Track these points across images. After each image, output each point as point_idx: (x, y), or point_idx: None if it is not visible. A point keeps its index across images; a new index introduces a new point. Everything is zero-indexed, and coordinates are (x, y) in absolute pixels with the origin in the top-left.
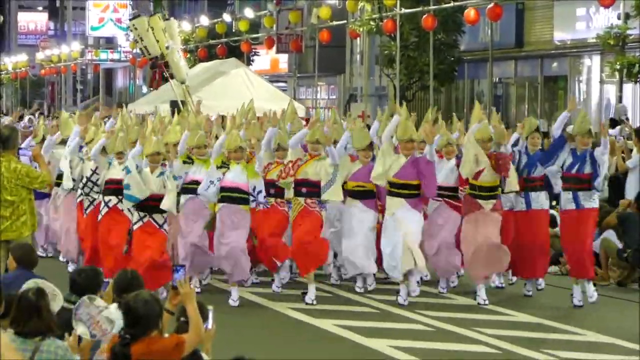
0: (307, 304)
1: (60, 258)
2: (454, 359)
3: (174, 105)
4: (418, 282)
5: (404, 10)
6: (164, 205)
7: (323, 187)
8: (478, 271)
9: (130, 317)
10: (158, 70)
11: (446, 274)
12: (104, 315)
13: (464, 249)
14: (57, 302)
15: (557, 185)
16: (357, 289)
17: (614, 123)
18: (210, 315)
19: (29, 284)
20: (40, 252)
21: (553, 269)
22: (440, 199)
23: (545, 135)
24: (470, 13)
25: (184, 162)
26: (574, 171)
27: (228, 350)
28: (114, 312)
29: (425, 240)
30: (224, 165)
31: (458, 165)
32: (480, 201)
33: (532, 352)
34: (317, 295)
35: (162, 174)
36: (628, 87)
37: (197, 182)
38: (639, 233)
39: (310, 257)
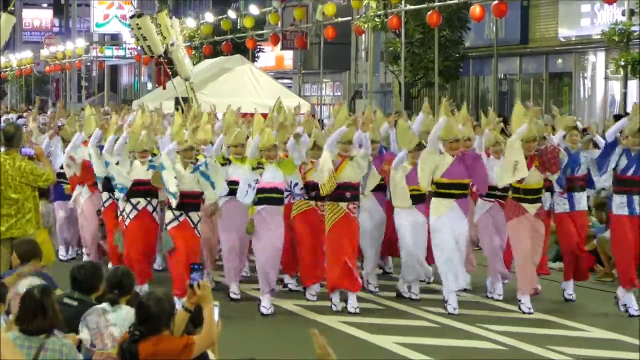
0: (350, 313)
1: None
2: (460, 356)
3: (178, 102)
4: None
5: (409, 7)
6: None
7: (362, 184)
8: (526, 281)
9: (142, 314)
10: (163, 68)
11: (492, 279)
12: (111, 331)
13: (515, 258)
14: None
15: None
16: (404, 294)
17: (620, 119)
18: (216, 311)
19: (23, 283)
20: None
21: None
22: (492, 200)
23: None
24: (475, 10)
25: (221, 164)
26: (629, 173)
27: (233, 346)
28: (116, 315)
29: (481, 244)
30: (259, 166)
31: None
32: (524, 205)
33: (537, 349)
34: (322, 292)
35: (195, 169)
36: (633, 84)
37: (236, 183)
38: None
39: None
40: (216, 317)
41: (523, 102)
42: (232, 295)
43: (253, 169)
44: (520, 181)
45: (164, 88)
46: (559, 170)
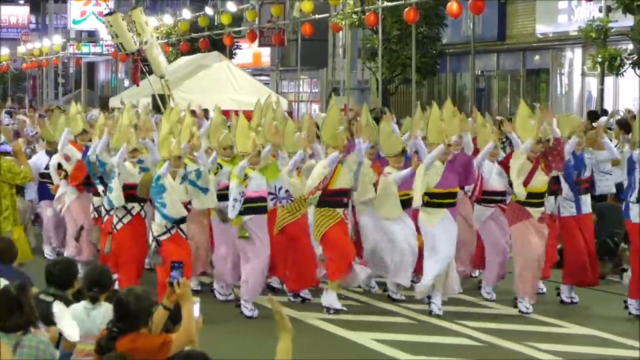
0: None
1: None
2: (437, 352)
3: (155, 99)
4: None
5: (386, 4)
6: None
7: (354, 184)
8: (526, 286)
9: (120, 311)
10: (135, 65)
11: (496, 282)
12: (74, 330)
13: (515, 260)
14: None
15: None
16: (393, 295)
17: (594, 115)
18: (197, 307)
19: None
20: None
21: None
22: (493, 205)
23: None
24: (452, 6)
25: (214, 173)
26: None
27: (211, 342)
28: (96, 313)
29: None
30: (244, 177)
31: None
32: (529, 209)
33: (513, 344)
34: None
35: (184, 179)
36: (610, 80)
37: (229, 189)
38: (613, 224)
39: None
40: (197, 313)
41: (502, 99)
42: (217, 296)
43: (241, 182)
44: (525, 185)
45: (137, 85)
46: (562, 163)
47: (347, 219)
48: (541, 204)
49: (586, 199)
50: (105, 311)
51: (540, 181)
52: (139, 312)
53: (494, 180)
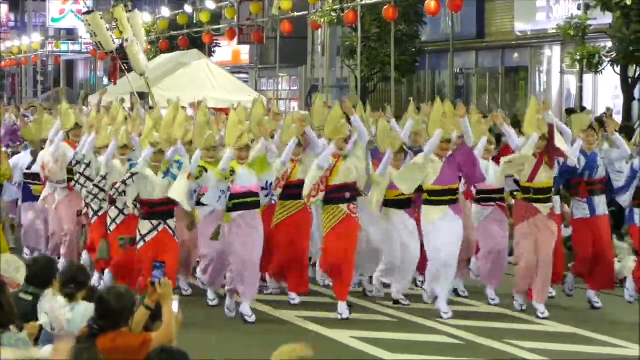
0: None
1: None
2: (417, 350)
3: (134, 97)
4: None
5: (365, 1)
6: (172, 193)
7: (365, 187)
8: (524, 287)
9: (102, 309)
10: (114, 64)
11: (496, 284)
12: (64, 313)
13: (520, 260)
14: (20, 274)
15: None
16: (402, 301)
17: (573, 113)
18: (175, 304)
19: None
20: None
21: None
22: (492, 203)
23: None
24: (431, 4)
25: (196, 177)
26: None
27: (186, 340)
28: (75, 312)
29: (480, 247)
30: (230, 175)
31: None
32: (537, 205)
33: (494, 343)
34: (282, 287)
35: (166, 174)
36: (588, 78)
37: None
38: None
39: (342, 282)
40: (175, 310)
41: (480, 97)
42: (208, 302)
43: (225, 178)
44: (531, 181)
45: (115, 84)
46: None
47: (357, 214)
48: (548, 200)
49: (600, 200)
50: (84, 309)
51: (546, 177)
52: (121, 311)
53: (490, 178)
